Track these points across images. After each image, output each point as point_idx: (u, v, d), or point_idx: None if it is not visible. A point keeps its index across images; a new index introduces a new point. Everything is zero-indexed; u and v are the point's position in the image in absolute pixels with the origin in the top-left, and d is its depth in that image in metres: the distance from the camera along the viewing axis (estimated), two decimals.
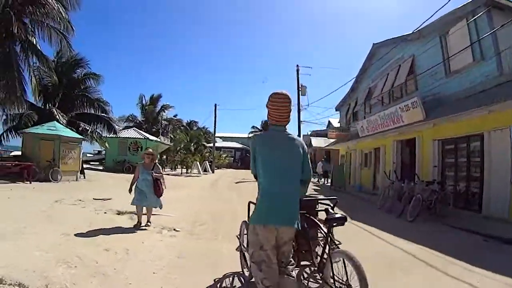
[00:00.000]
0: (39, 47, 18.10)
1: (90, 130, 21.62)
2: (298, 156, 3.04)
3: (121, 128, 31.62)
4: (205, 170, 34.64)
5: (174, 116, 52.48)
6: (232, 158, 54.33)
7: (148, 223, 7.83)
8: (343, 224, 3.47)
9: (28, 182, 14.69)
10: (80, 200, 10.71)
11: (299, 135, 35.30)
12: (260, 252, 2.85)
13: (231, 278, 4.64)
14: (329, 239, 3.39)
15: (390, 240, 7.28)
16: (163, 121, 43.98)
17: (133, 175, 7.94)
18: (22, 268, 4.48)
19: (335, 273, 3.21)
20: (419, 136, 12.96)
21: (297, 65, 29.60)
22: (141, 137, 29.34)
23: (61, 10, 17.88)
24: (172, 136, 41.82)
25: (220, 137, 69.45)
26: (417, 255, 6.07)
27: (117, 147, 28.27)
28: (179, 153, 35.13)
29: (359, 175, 20.01)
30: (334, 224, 3.43)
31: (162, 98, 44.56)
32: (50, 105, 21.43)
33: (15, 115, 20.03)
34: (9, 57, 16.68)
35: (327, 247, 3.36)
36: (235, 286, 4.42)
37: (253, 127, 60.74)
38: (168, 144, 35.79)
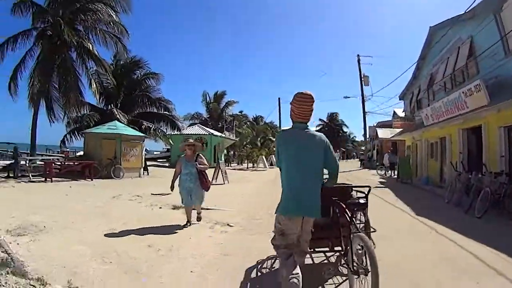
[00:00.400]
0: (95, 52, 19.50)
1: (152, 128, 22.54)
2: (319, 151, 3.35)
3: (186, 126, 32.80)
4: (271, 164, 34.52)
5: (240, 112, 53.56)
6: None
7: (198, 218, 7.45)
8: (364, 209, 3.91)
9: (90, 180, 15.61)
10: (138, 196, 10.91)
11: (364, 127, 34.69)
12: (280, 237, 3.41)
13: (273, 260, 4.82)
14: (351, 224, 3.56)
15: (457, 240, 6.29)
16: (228, 117, 44.81)
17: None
18: (54, 263, 4.43)
19: (355, 258, 3.34)
20: (485, 123, 12.15)
21: (358, 55, 28.08)
22: (206, 133, 30.03)
23: (112, 15, 19.14)
24: (238, 131, 42.38)
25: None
26: (487, 260, 4.98)
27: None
28: (245, 147, 35.46)
29: (425, 166, 18.75)
30: (355, 208, 3.74)
31: (227, 95, 45.47)
32: (112, 105, 22.87)
33: (77, 117, 21.73)
34: (66, 63, 18.29)
35: (350, 231, 3.50)
36: (274, 267, 4.62)
37: (320, 119, 60.04)
38: (234, 139, 36.28)
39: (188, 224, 7.12)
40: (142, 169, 18.74)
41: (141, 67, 24.30)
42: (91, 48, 19.35)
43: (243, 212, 8.96)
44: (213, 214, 8.39)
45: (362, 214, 4.38)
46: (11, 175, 14.97)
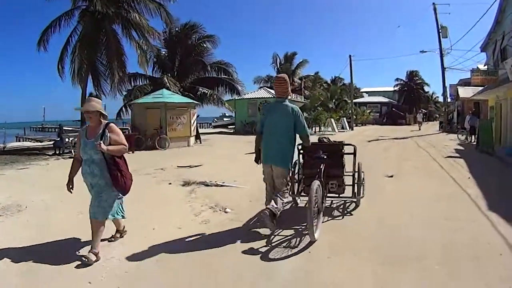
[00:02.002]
0: (140, 21, 18.42)
1: (209, 93, 21.27)
2: (289, 119, 4.48)
3: (255, 89, 31.09)
4: (343, 128, 31.55)
5: (316, 73, 50.15)
6: (378, 114, 48.71)
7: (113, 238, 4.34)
8: (321, 161, 4.70)
9: (131, 152, 14.51)
10: (161, 169, 9.64)
11: (443, 85, 29.67)
12: (264, 177, 4.74)
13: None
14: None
15: None
16: (298, 79, 42.07)
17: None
18: None
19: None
20: None
21: (434, 4, 22.79)
22: (271, 96, 28.08)
23: None
24: (310, 93, 39.43)
25: (366, 92, 64.21)
26: None
27: (246, 109, 27.94)
28: (316, 110, 32.77)
29: (511, 133, 14.14)
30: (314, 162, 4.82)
31: (298, 55, 42.21)
32: (168, 75, 22.00)
33: (130, 90, 21.20)
34: (108, 37, 17.77)
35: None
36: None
37: (397, 79, 53.27)
38: (302, 102, 33.78)
39: (118, 235, 4.35)
40: (191, 139, 17.57)
41: (196, 31, 22.70)
42: (134, 18, 18.39)
43: (257, 190, 6.46)
44: (222, 192, 6.87)
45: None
46: (57, 152, 14.78)
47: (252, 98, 28.36)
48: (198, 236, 4.51)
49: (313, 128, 29.25)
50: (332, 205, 5.66)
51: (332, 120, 27.70)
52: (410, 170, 9.20)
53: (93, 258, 3.60)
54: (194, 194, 6.63)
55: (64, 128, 17.63)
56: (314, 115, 29.37)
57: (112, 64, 18.33)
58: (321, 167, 4.65)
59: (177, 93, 18.90)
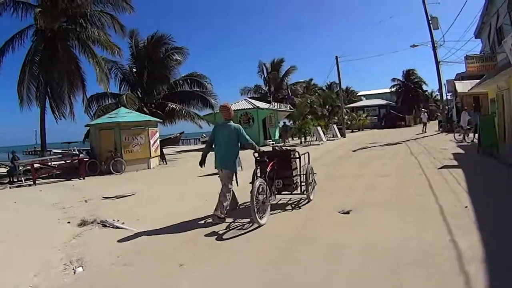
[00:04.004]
0: (99, 36, 16.62)
1: (177, 109, 18.85)
2: (233, 134, 5.64)
3: (234, 102, 28.51)
4: (333, 136, 28.51)
5: (310, 79, 47.55)
6: (376, 117, 45.61)
7: None
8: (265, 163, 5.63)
9: (81, 178, 12.77)
10: (84, 201, 8.25)
11: (439, 80, 25.92)
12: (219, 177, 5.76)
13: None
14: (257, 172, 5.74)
15: None
16: (289, 87, 39.49)
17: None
18: None
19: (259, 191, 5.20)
20: None
21: None
22: (251, 107, 25.56)
23: None
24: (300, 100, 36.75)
25: (364, 96, 61.32)
26: None
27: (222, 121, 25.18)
28: (304, 118, 29.90)
29: None
30: (260, 165, 5.74)
31: (285, 61, 39.61)
32: (139, 90, 19.82)
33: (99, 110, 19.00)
34: (60, 56, 16.24)
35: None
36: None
37: (393, 79, 49.96)
38: (289, 111, 31.07)
39: None
40: (151, 160, 15.02)
41: (165, 43, 20.40)
42: (92, 33, 16.53)
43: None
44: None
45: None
46: (12, 180, 13.22)
47: (233, 110, 25.54)
48: None
49: (299, 139, 26.43)
50: (288, 202, 6.44)
51: (319, 128, 24.64)
52: (381, 198, 6.24)
53: None
54: (75, 240, 5.16)
55: (16, 155, 15.63)
56: (299, 125, 26.63)
57: (67, 84, 16.52)
58: (267, 169, 5.59)
59: (143, 110, 16.74)
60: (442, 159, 10.90)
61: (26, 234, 5.64)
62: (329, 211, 5.61)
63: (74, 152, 17.53)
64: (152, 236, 5.04)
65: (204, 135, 36.10)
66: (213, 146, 5.82)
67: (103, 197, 8.53)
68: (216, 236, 4.76)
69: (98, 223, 5.98)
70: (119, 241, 4.90)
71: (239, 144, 5.71)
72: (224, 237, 4.75)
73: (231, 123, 5.79)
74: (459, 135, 16.83)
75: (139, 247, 4.59)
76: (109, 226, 5.85)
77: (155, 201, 7.83)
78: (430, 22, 22.07)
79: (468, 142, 15.46)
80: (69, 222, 6.22)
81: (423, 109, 40.70)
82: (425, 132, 25.29)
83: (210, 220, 5.39)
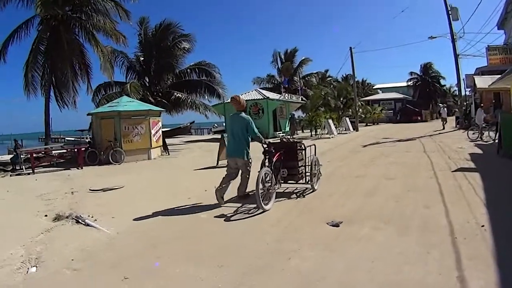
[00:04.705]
0: (105, 25, 16.36)
1: (183, 98, 18.14)
2: (243, 126, 5.89)
3: (244, 92, 27.64)
4: (345, 129, 27.29)
5: (325, 71, 46.07)
6: (392, 111, 43.85)
7: None
8: (272, 154, 5.90)
9: (79, 168, 12.35)
10: (71, 193, 7.83)
11: (457, 74, 24.01)
12: (228, 166, 6.21)
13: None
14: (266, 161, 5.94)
15: None
16: (303, 78, 38.27)
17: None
18: None
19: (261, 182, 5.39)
20: None
21: None
22: (261, 97, 24.61)
23: None
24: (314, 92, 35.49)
25: (380, 89, 59.30)
26: None
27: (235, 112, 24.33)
28: (317, 110, 28.74)
29: None
30: (267, 155, 5.94)
31: (299, 51, 38.42)
32: (146, 79, 19.22)
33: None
34: (64, 45, 15.71)
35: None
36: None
37: (411, 73, 47.71)
38: (301, 102, 29.92)
39: None
40: (152, 150, 14.34)
41: (173, 31, 19.59)
42: (97, 22, 16.03)
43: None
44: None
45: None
46: (16, 167, 12.91)
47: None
48: None
49: (310, 132, 25.34)
50: (295, 191, 6.61)
51: (330, 121, 23.49)
52: (380, 208, 5.24)
53: None
54: (43, 235, 4.84)
55: (19, 143, 15.46)
56: (309, 117, 25.52)
57: (71, 73, 16.14)
58: (273, 159, 5.89)
59: (148, 99, 16.24)
60: (457, 159, 9.82)
61: None
62: (317, 221, 4.75)
63: (87, 140, 17.22)
64: (115, 239, 4.60)
65: (215, 125, 35.56)
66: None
67: (90, 190, 8.11)
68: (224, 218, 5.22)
69: (72, 219, 5.57)
70: (82, 241, 4.53)
71: (248, 135, 5.97)
72: (231, 219, 5.18)
73: (243, 114, 6.11)
74: (473, 133, 15.60)
75: (97, 250, 4.22)
76: (81, 223, 5.44)
77: (139, 196, 7.33)
78: (450, 12, 20.48)
79: (485, 142, 14.23)
80: (46, 216, 5.91)
81: (441, 104, 38.77)
82: (444, 128, 23.54)
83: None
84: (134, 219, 5.37)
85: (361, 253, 3.60)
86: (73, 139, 28.33)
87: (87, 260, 3.87)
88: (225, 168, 6.28)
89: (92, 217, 5.58)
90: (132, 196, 7.33)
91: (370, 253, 3.56)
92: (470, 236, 3.82)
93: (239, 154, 5.88)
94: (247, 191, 6.11)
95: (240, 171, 6.06)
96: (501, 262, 3.15)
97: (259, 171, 5.45)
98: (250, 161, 6.03)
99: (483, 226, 4.09)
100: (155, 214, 5.62)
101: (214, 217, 5.25)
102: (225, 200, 5.94)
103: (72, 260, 3.86)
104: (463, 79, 26.22)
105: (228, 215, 5.24)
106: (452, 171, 8.01)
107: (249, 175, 5.99)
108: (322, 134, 23.16)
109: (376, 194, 6.14)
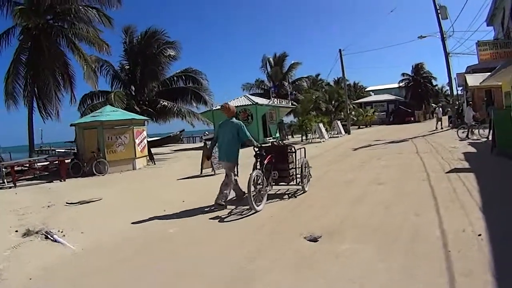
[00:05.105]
0: (87, 33, 15.87)
1: (169, 106, 17.65)
2: (234, 130, 6.08)
3: (233, 98, 27.17)
4: (341, 132, 26.85)
5: (317, 75, 45.71)
6: (384, 113, 43.53)
7: None
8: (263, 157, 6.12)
9: (62, 180, 11.83)
10: (48, 207, 7.50)
11: (448, 73, 23.75)
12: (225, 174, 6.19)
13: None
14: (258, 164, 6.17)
15: None
16: (293, 82, 37.91)
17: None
18: None
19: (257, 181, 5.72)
20: None
21: None
22: (250, 103, 24.14)
23: None
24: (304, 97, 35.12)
25: (372, 91, 59.13)
26: None
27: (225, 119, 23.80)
28: (308, 115, 28.29)
29: None
30: (258, 158, 6.16)
31: (288, 56, 37.97)
32: (132, 88, 18.79)
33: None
34: (45, 54, 15.33)
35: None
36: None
37: (403, 74, 47.55)
38: (290, 107, 29.46)
39: None
40: (137, 160, 13.75)
41: (158, 39, 19.14)
42: (80, 30, 15.59)
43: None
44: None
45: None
46: None
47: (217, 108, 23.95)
48: None
49: (301, 137, 24.82)
50: (287, 192, 6.80)
51: (321, 125, 23.03)
52: (365, 218, 4.71)
53: None
54: (9, 252, 4.59)
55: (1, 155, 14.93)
56: (299, 122, 25.06)
57: (54, 83, 15.67)
58: (264, 161, 6.09)
59: (133, 108, 15.73)
60: (451, 159, 9.38)
61: None
62: (294, 234, 4.23)
63: (74, 151, 16.68)
64: (78, 255, 4.35)
65: (206, 132, 34.99)
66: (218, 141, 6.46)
67: (67, 203, 7.75)
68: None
69: (42, 234, 5.29)
70: (46, 258, 4.30)
71: (239, 140, 6.16)
72: (225, 220, 5.28)
73: (234, 120, 6.34)
74: (463, 132, 15.27)
75: (58, 268, 4.00)
76: (50, 238, 5.18)
77: (114, 210, 6.99)
78: (439, 11, 20.27)
79: (474, 140, 13.90)
80: (16, 231, 5.62)
81: (434, 104, 38.56)
82: (442, 128, 22.77)
83: (213, 208, 5.86)
84: (103, 234, 5.06)
85: (341, 272, 3.10)
86: (63, 150, 27.69)
87: (46, 279, 3.68)
88: (211, 176, 7.83)
89: (62, 232, 5.32)
90: (107, 209, 6.99)
91: (352, 272, 3.06)
92: (465, 248, 3.33)
93: (228, 158, 6.10)
94: (226, 197, 6.03)
95: (225, 175, 6.17)
96: (500, 278, 2.67)
97: (250, 174, 5.56)
98: (237, 166, 6.21)
99: (479, 235, 3.59)
100: (125, 229, 5.30)
101: (181, 230, 4.90)
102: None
103: (30, 279, 3.64)
104: (455, 78, 25.99)
105: (201, 227, 4.94)
106: (446, 172, 7.55)
107: (232, 181, 6.01)
108: (313, 138, 22.71)
109: (363, 202, 5.61)
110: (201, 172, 10.65)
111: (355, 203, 5.54)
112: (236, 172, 6.16)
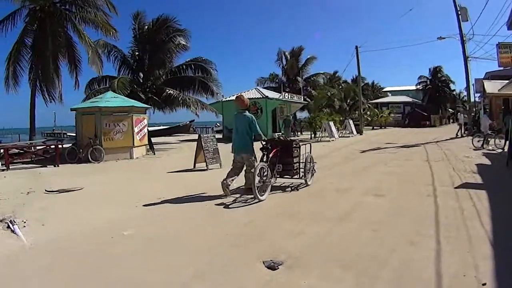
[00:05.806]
0: (95, 17, 15.70)
1: (174, 95, 17.03)
2: (246, 124, 6.27)
3: (245, 90, 26.36)
4: (352, 132, 25.68)
5: (334, 72, 44.35)
6: (400, 115, 41.91)
7: None
8: (268, 151, 6.33)
9: (55, 166, 11.47)
10: (27, 193, 7.23)
11: (466, 77, 22.15)
12: (234, 161, 6.48)
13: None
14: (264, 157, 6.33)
15: None
16: (309, 78, 36.80)
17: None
18: None
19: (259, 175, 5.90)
20: None
21: None
22: (260, 96, 23.33)
23: None
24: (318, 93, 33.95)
25: (390, 92, 57.28)
26: None
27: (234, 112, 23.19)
28: (321, 111, 27.24)
29: None
30: (264, 151, 6.34)
31: (305, 50, 36.63)
32: (140, 75, 18.26)
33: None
34: (51, 37, 15.02)
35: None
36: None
37: (420, 77, 45.54)
38: (302, 102, 28.44)
39: None
40: (134, 149, 13.12)
41: (169, 26, 18.40)
42: (87, 14, 15.19)
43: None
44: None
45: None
46: None
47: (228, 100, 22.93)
48: None
49: (310, 134, 23.81)
50: (291, 185, 6.98)
51: (331, 123, 21.95)
52: (348, 243, 3.93)
53: None
54: None
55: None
56: (309, 118, 24.09)
57: (54, 66, 15.40)
58: (270, 154, 6.32)
59: (138, 96, 15.37)
60: (463, 171, 8.42)
61: None
62: (251, 257, 3.47)
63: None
64: (25, 252, 3.96)
65: (217, 124, 34.43)
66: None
67: (46, 191, 7.40)
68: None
69: (5, 223, 4.96)
70: None
71: (251, 132, 6.36)
72: (231, 206, 5.57)
73: (246, 113, 6.48)
74: (478, 141, 14.10)
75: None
76: (10, 229, 4.85)
77: (89, 201, 6.52)
78: (459, 13, 18.89)
79: (489, 150, 12.78)
80: None
81: (450, 110, 36.83)
82: (464, 135, 20.82)
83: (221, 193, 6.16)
84: (62, 229, 4.72)
85: None
86: (74, 134, 27.66)
87: None
88: (204, 171, 8.35)
89: (25, 222, 4.98)
90: (82, 201, 6.57)
91: None
92: None
93: (245, 150, 6.30)
94: (232, 181, 6.33)
95: (245, 166, 6.41)
96: None
97: (256, 165, 5.94)
98: (255, 156, 6.43)
99: (484, 284, 2.76)
100: (88, 224, 4.95)
101: (135, 234, 4.41)
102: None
103: None
104: (473, 84, 24.41)
105: (157, 232, 4.53)
106: (455, 188, 6.63)
107: (254, 169, 6.00)
108: (323, 137, 21.73)
109: (351, 219, 4.76)
110: (194, 166, 10.04)
111: (340, 220, 4.70)
112: (255, 158, 6.42)
